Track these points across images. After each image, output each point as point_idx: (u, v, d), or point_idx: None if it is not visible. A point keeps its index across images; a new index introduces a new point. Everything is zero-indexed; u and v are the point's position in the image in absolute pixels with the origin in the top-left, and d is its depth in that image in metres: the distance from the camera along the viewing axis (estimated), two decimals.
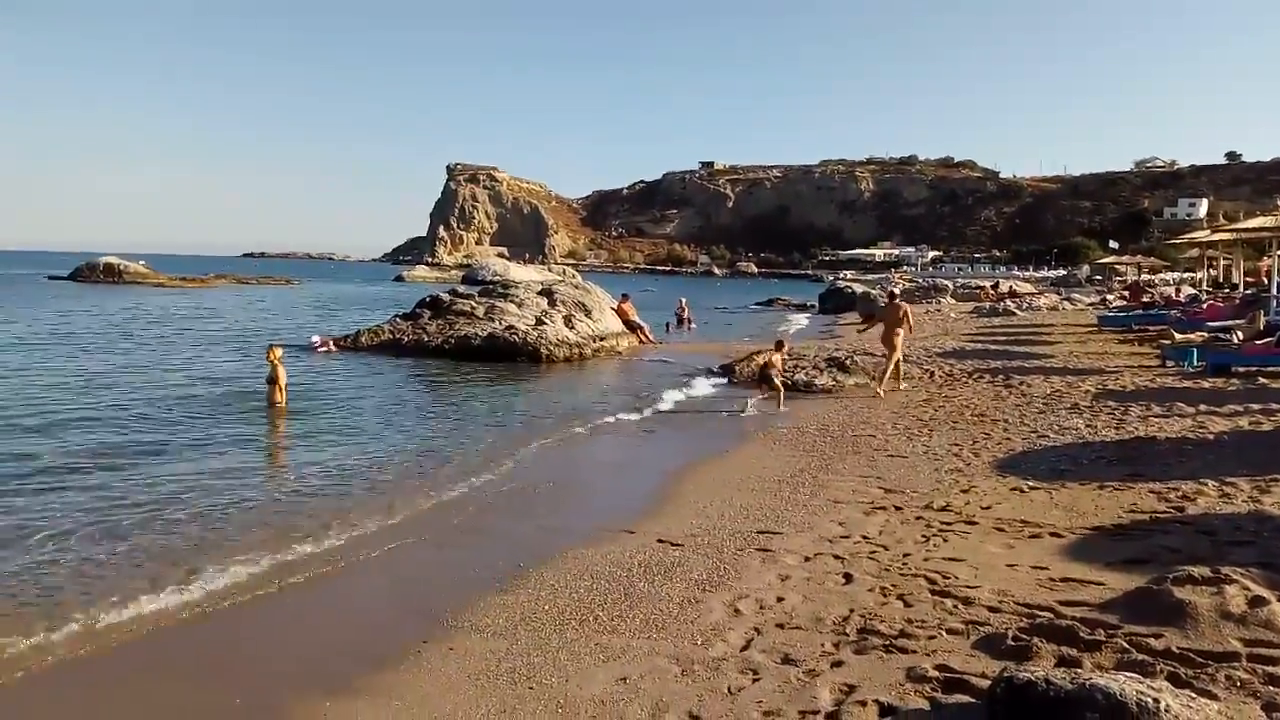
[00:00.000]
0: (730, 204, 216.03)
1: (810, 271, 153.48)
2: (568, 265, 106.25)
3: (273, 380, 14.31)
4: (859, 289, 50.63)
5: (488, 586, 6.42)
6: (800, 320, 43.88)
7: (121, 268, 61.61)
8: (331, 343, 23.05)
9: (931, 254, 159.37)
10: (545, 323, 23.66)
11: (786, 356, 15.40)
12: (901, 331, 16.48)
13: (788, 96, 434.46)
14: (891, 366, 16.37)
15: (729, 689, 4.65)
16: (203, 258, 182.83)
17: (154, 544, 7.33)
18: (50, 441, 11.08)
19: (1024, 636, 5.05)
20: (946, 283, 61.32)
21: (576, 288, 28.68)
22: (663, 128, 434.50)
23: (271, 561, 6.94)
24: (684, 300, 38.06)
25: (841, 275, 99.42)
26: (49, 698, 4.90)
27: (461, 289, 28.92)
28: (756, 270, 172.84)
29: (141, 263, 63.87)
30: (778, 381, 15.17)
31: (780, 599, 5.96)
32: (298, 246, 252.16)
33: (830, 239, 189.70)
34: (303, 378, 16.89)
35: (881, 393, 15.77)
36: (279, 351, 14.80)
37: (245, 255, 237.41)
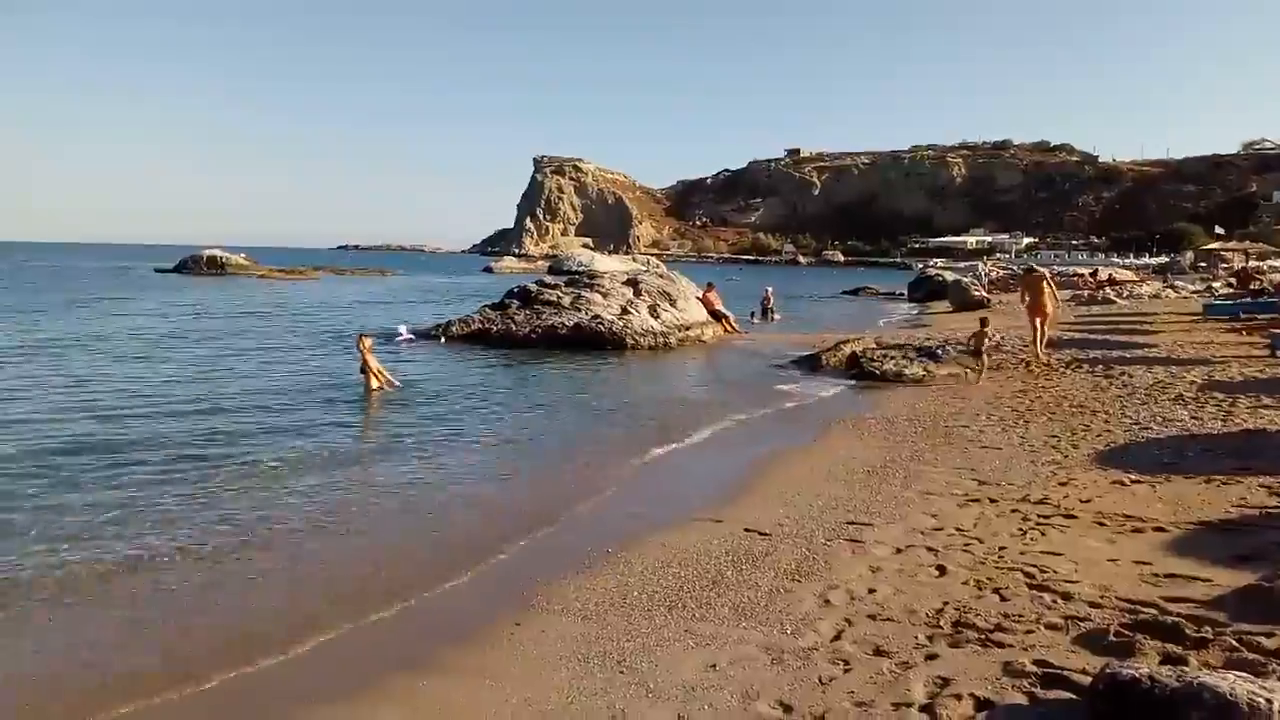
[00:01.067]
0: (816, 191, 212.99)
1: (899, 260, 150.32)
2: (651, 255, 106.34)
3: (365, 369, 14.81)
4: (950, 277, 49.41)
5: (579, 571, 6.51)
6: (900, 308, 43.14)
7: (224, 260, 63.88)
8: (411, 333, 23.47)
9: (1026, 241, 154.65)
10: (630, 312, 23.76)
11: (990, 332, 17.14)
12: (1049, 301, 18.35)
13: (875, 81, 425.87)
14: (1043, 335, 18.24)
15: (820, 679, 4.64)
16: (298, 250, 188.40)
17: (263, 537, 7.63)
18: (171, 433, 11.60)
19: (1126, 633, 4.92)
20: (1042, 270, 59.38)
21: (661, 277, 28.71)
22: (747, 116, 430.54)
23: (359, 548, 7.16)
24: (769, 289, 37.64)
25: (931, 263, 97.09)
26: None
27: (549, 279, 29.19)
28: (843, 259, 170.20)
29: (242, 255, 66.10)
30: (984, 356, 16.33)
31: (871, 590, 5.91)
32: (389, 239, 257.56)
33: (920, 226, 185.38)
34: (398, 368, 17.30)
35: (1048, 362, 17.31)
36: (369, 341, 15.29)
37: (339, 247, 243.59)
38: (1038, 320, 18.20)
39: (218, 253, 65.62)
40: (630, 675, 4.81)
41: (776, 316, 34.75)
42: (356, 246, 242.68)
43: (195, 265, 63.87)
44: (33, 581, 6.21)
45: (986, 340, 16.26)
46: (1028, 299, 18.68)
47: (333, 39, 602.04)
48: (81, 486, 8.60)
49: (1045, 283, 18.69)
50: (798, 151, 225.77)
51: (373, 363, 14.90)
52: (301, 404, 13.72)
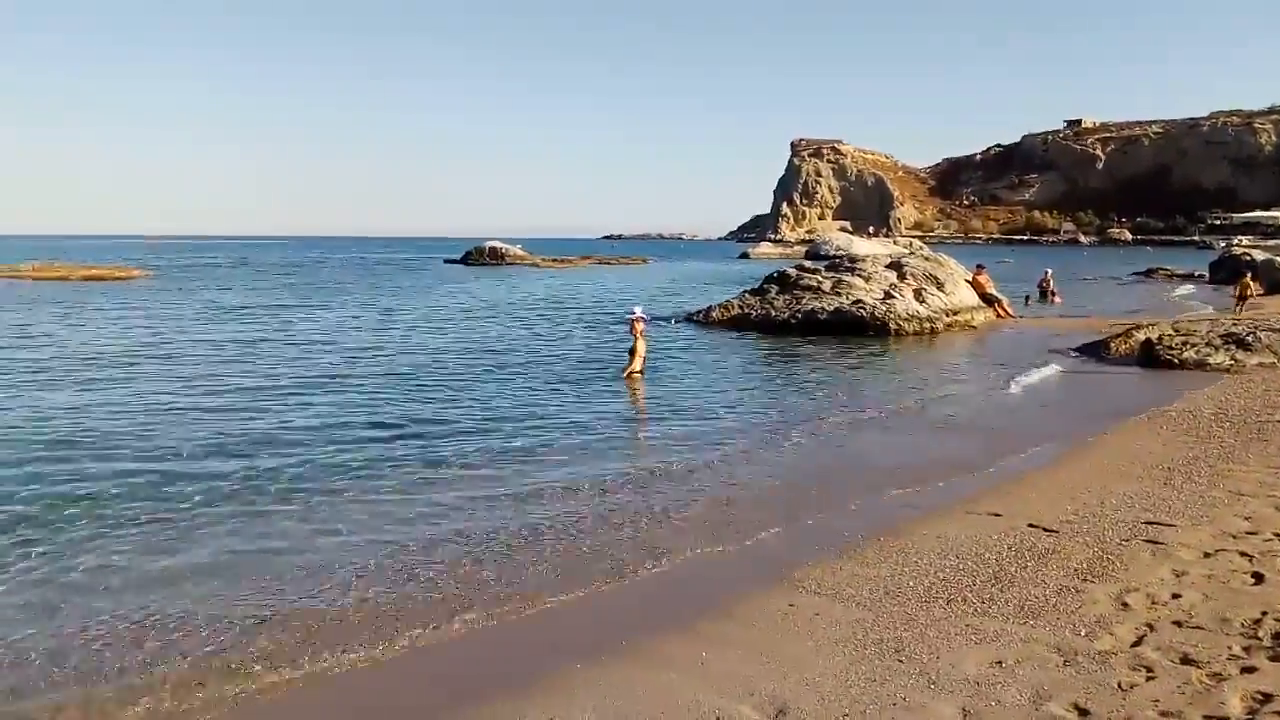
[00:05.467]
0: (1100, 165, 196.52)
1: (1196, 238, 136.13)
2: (914, 237, 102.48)
3: (633, 351, 15.40)
4: (1259, 256, 44.09)
5: (849, 558, 6.47)
6: (1199, 291, 39.13)
7: (503, 251, 68.57)
8: (645, 315, 23.76)
9: None
10: (894, 296, 23.08)
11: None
12: None
13: (1169, 39, 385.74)
14: None
15: (1119, 685, 4.36)
16: (568, 240, 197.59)
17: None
18: (463, 404, 12.66)
19: None
20: None
21: (927, 260, 27.67)
22: (1022, 86, 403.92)
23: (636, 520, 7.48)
24: (1049, 271, 35.36)
25: (1235, 241, 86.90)
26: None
27: (808, 264, 28.94)
28: (1130, 238, 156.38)
29: (519, 247, 70.64)
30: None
31: (1176, 595, 5.46)
32: (650, 228, 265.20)
33: (1221, 200, 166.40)
34: (670, 350, 17.86)
35: None
36: (641, 325, 15.83)
37: (605, 237, 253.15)
38: None
39: (498, 244, 70.47)
40: (909, 665, 4.74)
41: (1058, 300, 32.63)
42: (620, 236, 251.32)
43: (479, 256, 68.98)
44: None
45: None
46: None
47: (590, 42, 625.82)
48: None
49: None
50: (1079, 122, 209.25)
51: (640, 346, 15.46)
52: (573, 380, 14.48)
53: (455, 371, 15.75)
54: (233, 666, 4.95)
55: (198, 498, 7.93)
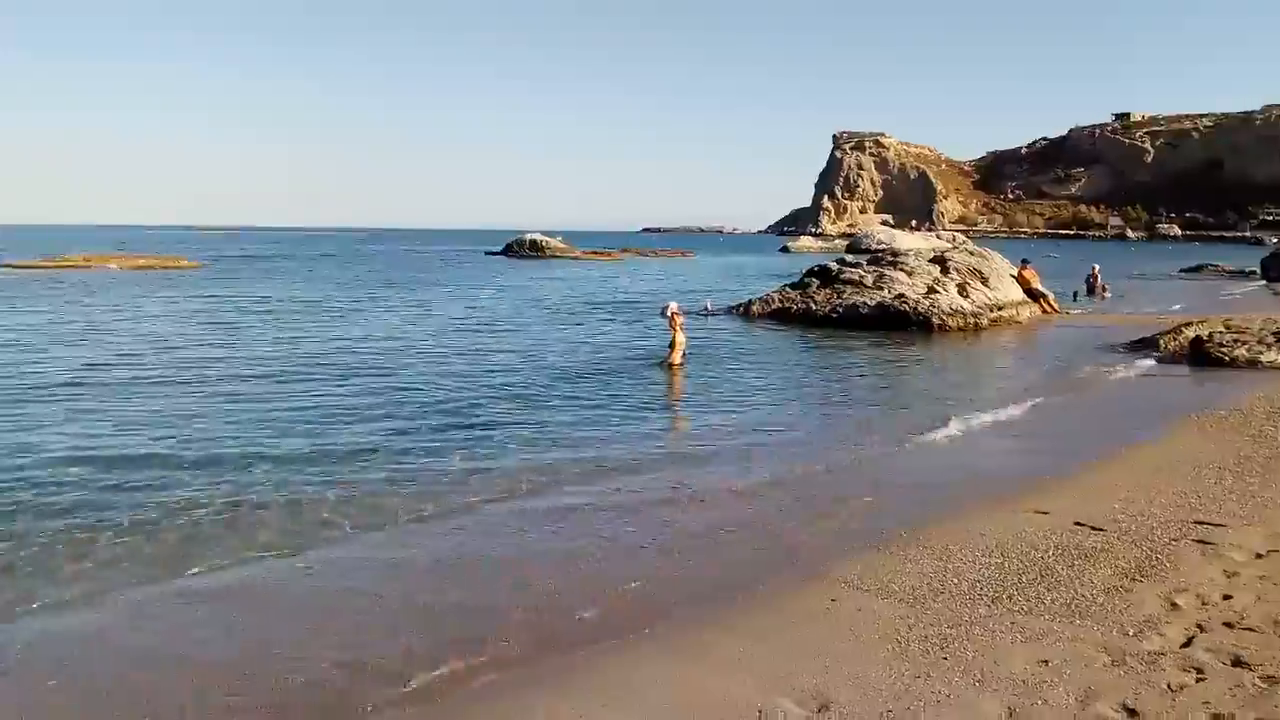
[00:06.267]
0: (1149, 159, 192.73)
1: (1248, 234, 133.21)
2: (957, 231, 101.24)
3: (673, 344, 15.43)
4: None
5: (892, 554, 6.44)
6: (1251, 288, 38.32)
7: (544, 243, 68.81)
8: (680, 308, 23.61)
9: None
10: (938, 291, 22.86)
11: None
12: None
13: (1220, 30, 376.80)
14: None
15: (1169, 685, 4.31)
16: (606, 233, 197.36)
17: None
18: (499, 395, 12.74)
19: None
20: None
21: (972, 254, 27.34)
22: (1068, 79, 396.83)
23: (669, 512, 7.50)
24: (1096, 267, 34.85)
25: None
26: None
27: (849, 258, 28.75)
28: (1179, 233, 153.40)
29: (559, 239, 70.84)
30: None
31: (1227, 596, 5.39)
32: (688, 221, 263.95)
33: (1274, 195, 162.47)
34: (705, 341, 17.83)
35: None
36: (680, 318, 15.85)
37: (644, 230, 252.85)
38: None
39: (538, 237, 70.76)
40: (954, 662, 4.72)
41: (1107, 295, 32.21)
42: (659, 229, 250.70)
43: (519, 248, 69.32)
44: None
45: None
46: None
47: (626, 37, 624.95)
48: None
49: None
50: (1127, 116, 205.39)
51: (680, 338, 15.47)
52: (627, 380, 14.41)
53: (512, 374, 15.26)
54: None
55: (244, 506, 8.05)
